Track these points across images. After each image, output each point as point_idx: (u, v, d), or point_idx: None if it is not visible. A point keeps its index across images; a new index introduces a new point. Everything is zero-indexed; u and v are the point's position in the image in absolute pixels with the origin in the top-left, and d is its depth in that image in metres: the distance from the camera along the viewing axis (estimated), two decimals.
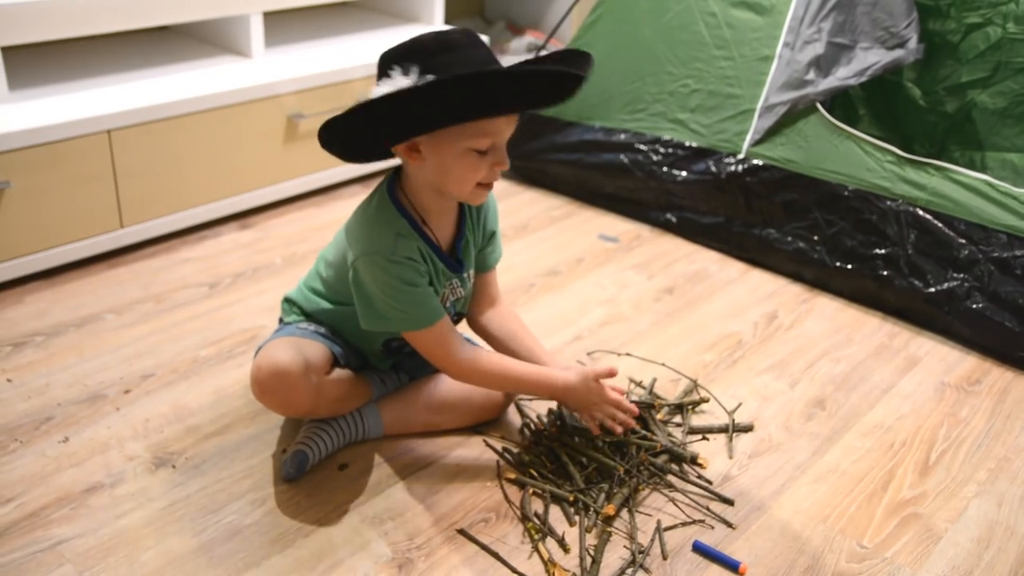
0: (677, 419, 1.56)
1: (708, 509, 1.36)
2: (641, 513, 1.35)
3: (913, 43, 2.04)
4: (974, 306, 1.79)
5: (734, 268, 2.09)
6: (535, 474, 1.40)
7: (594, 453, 1.40)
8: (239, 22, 2.22)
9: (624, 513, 1.34)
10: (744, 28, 2.10)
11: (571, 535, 1.30)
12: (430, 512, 1.33)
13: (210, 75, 2.11)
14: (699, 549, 1.29)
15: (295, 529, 1.29)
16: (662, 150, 2.18)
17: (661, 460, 1.43)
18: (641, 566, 1.25)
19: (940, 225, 1.83)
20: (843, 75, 2.01)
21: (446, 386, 1.48)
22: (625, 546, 1.29)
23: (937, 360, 1.79)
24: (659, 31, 2.22)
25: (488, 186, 1.29)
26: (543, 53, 1.48)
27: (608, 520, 1.32)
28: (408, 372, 1.53)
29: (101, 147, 1.86)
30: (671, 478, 1.42)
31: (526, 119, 2.30)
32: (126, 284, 1.89)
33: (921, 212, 1.85)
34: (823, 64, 2.00)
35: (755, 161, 2.05)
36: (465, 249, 1.40)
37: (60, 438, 1.44)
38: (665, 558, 1.27)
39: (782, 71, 2.02)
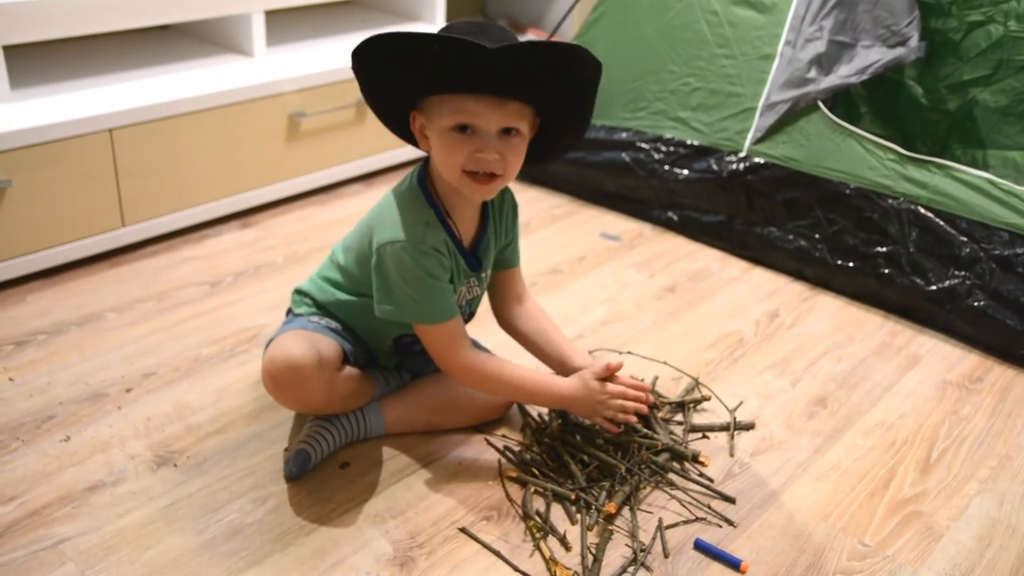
0: (678, 417, 1.56)
1: (709, 507, 1.36)
2: (643, 511, 1.35)
3: (915, 41, 2.04)
4: (975, 304, 1.78)
5: (736, 266, 2.09)
6: (536, 472, 1.40)
7: (595, 451, 1.40)
8: (241, 21, 2.22)
9: (625, 511, 1.34)
10: (745, 26, 2.10)
11: (573, 533, 1.30)
12: (432, 510, 1.34)
13: (212, 74, 2.11)
14: (700, 547, 1.29)
15: (297, 527, 1.29)
16: (664, 148, 2.18)
17: (662, 458, 1.43)
18: (643, 564, 1.25)
19: (942, 223, 1.83)
20: (845, 73, 2.00)
21: (450, 386, 1.47)
22: (627, 544, 1.29)
23: (938, 358, 1.79)
24: (660, 29, 2.22)
25: (478, 178, 1.25)
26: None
27: (609, 518, 1.32)
28: (411, 371, 1.52)
29: (103, 146, 1.86)
30: (672, 476, 1.42)
31: None
32: (128, 283, 1.89)
33: (923, 210, 1.85)
34: (825, 62, 2.00)
35: (757, 159, 2.05)
36: (485, 249, 1.40)
37: (62, 437, 1.44)
38: (667, 556, 1.27)
39: (783, 69, 2.02)
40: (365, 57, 1.22)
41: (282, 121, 2.17)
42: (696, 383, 1.64)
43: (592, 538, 1.29)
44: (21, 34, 1.81)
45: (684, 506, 1.37)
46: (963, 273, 1.81)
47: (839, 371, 1.73)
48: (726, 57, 2.12)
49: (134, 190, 1.94)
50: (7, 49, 1.98)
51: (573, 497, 1.35)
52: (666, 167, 2.18)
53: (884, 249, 1.90)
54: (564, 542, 1.28)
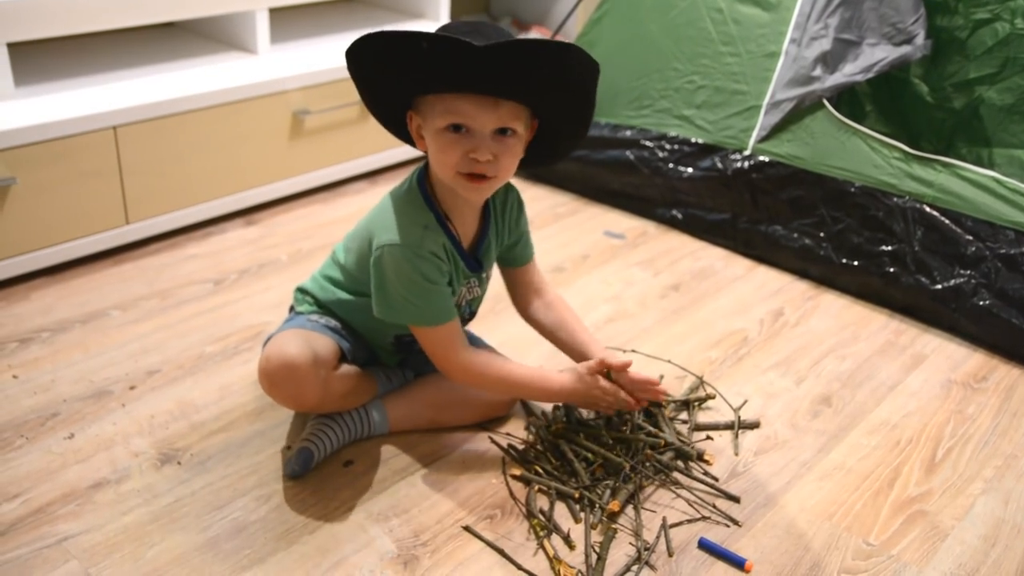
0: (683, 416, 1.55)
1: (714, 506, 1.36)
2: (647, 510, 1.35)
3: (920, 39, 2.03)
4: (981, 303, 1.78)
5: (740, 265, 2.09)
6: (540, 471, 1.40)
7: (599, 449, 1.40)
8: (245, 18, 2.22)
9: (629, 510, 1.34)
10: (750, 24, 2.09)
11: (576, 532, 1.30)
12: (435, 509, 1.33)
13: (216, 71, 2.11)
14: (705, 546, 1.28)
15: (300, 525, 1.29)
16: (668, 147, 2.18)
17: (667, 457, 1.43)
18: (647, 563, 1.25)
19: (947, 222, 1.83)
20: (850, 71, 2.00)
21: (453, 383, 1.47)
22: (630, 543, 1.29)
23: (944, 357, 1.78)
24: (665, 27, 2.22)
25: (473, 178, 1.24)
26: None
27: (613, 517, 1.32)
28: (414, 369, 1.52)
29: (107, 143, 1.86)
30: (677, 475, 1.41)
31: None
32: (131, 281, 1.89)
33: (928, 209, 1.85)
34: (830, 60, 2.00)
35: (761, 158, 2.04)
36: (486, 250, 1.40)
37: (66, 434, 1.44)
38: (671, 555, 1.27)
39: (788, 67, 2.02)
40: (358, 56, 1.21)
41: (286, 119, 2.17)
42: (700, 382, 1.64)
43: (596, 537, 1.29)
44: (25, 31, 1.81)
45: (688, 505, 1.36)
46: (968, 272, 1.80)
47: (843, 370, 1.72)
48: (731, 55, 2.11)
49: (138, 188, 1.94)
50: (11, 46, 1.98)
51: (577, 495, 1.34)
52: (670, 165, 2.17)
53: (889, 248, 1.89)
54: (568, 540, 1.28)
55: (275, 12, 2.51)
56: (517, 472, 1.40)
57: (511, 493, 1.37)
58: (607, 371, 1.37)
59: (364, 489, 1.36)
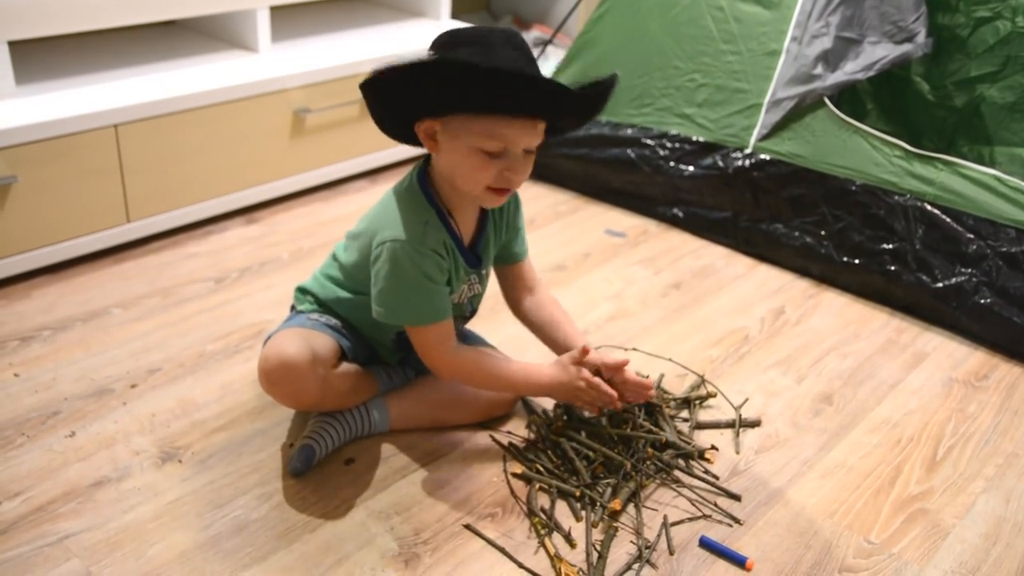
0: (684, 414, 1.55)
1: (715, 504, 1.36)
2: (648, 508, 1.35)
3: (921, 37, 2.03)
4: (982, 301, 1.78)
5: (741, 263, 2.09)
6: (541, 469, 1.40)
7: (601, 448, 1.40)
8: (246, 17, 2.22)
9: (630, 508, 1.34)
10: (751, 22, 2.09)
11: (577, 530, 1.30)
12: (436, 507, 1.33)
13: (217, 70, 2.11)
14: (706, 544, 1.29)
15: (302, 524, 1.29)
16: (669, 145, 2.18)
17: (668, 455, 1.43)
18: (647, 561, 1.25)
19: (948, 220, 1.82)
20: (851, 69, 2.00)
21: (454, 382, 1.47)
22: (631, 541, 1.29)
23: (945, 355, 1.78)
24: (666, 25, 2.21)
25: (502, 191, 1.28)
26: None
27: (614, 515, 1.32)
28: (415, 367, 1.52)
29: (108, 142, 1.86)
30: (678, 473, 1.41)
31: None
32: (133, 279, 1.89)
33: (929, 207, 1.85)
34: (831, 58, 1.99)
35: (762, 156, 2.04)
36: (485, 246, 1.40)
37: (67, 432, 1.44)
38: (672, 553, 1.27)
39: (789, 65, 2.02)
40: (408, 75, 1.17)
41: (287, 117, 2.17)
42: (701, 380, 1.64)
43: (597, 535, 1.29)
44: (26, 30, 1.81)
45: (689, 503, 1.36)
46: (970, 270, 1.80)
47: (845, 368, 1.72)
48: (732, 53, 2.11)
49: (139, 186, 1.94)
50: (13, 44, 1.98)
51: (578, 494, 1.34)
52: (671, 163, 2.17)
53: (890, 246, 1.89)
54: (569, 539, 1.28)
55: (276, 10, 2.51)
56: (518, 470, 1.40)
57: (512, 491, 1.37)
58: (597, 370, 1.37)
59: (365, 487, 1.36)
